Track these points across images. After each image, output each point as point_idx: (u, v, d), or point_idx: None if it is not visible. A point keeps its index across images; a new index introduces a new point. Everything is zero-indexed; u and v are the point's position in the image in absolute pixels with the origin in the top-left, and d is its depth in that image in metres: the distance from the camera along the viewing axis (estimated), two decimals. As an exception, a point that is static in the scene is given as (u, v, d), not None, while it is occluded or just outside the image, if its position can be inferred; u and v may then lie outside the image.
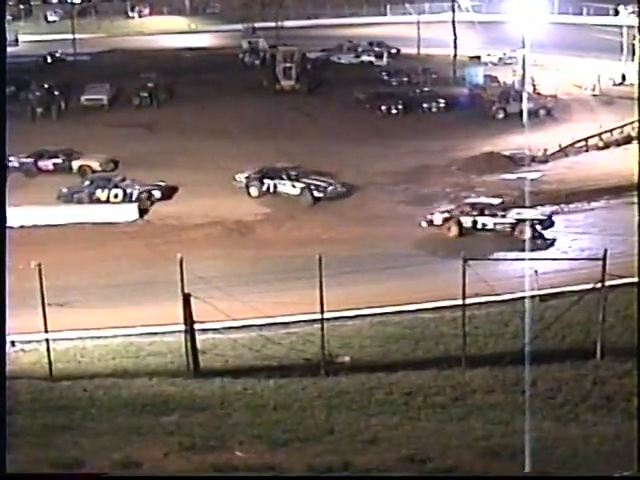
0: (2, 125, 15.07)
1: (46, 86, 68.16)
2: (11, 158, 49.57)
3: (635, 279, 27.63)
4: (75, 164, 50.46)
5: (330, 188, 45.61)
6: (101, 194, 45.29)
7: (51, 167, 50.58)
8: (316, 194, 45.21)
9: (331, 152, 52.55)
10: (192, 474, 16.63)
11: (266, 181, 46.29)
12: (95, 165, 50.17)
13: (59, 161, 50.65)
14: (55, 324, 25.77)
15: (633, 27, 72.26)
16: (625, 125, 54.70)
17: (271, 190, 46.22)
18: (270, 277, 33.28)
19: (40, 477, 15.86)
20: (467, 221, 39.62)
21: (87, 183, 46.07)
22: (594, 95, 67.66)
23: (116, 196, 45.19)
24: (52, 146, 51.69)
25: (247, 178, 46.55)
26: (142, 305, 30.79)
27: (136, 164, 50.36)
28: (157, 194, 45.34)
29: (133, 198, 45.01)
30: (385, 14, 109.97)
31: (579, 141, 53.89)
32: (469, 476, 16.78)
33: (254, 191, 46.34)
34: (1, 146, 14.65)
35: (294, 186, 45.74)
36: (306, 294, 26.54)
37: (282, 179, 46.15)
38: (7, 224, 35.68)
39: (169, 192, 46.26)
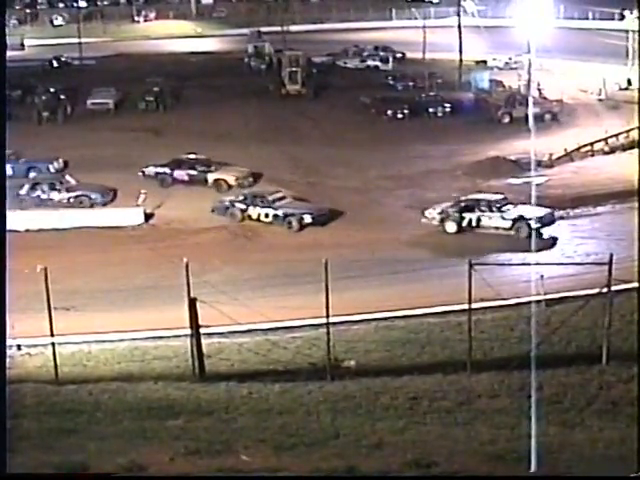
0: (2, 126, 15.04)
1: (52, 90, 68.20)
2: (148, 166, 48.81)
3: (640, 284, 27.57)
4: (210, 177, 48.05)
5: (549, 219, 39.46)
6: (252, 211, 42.62)
7: (186, 178, 48.45)
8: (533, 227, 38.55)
9: (337, 156, 52.62)
10: (198, 474, 16.68)
11: (467, 214, 40.08)
12: (231, 180, 47.59)
13: (194, 173, 48.32)
14: (61, 328, 25.78)
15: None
16: (631, 130, 54.64)
17: (473, 224, 39.99)
18: (276, 281, 33.32)
19: (41, 477, 15.88)
20: None
21: (241, 198, 43.33)
22: (600, 100, 67.67)
23: (266, 216, 42.34)
24: (188, 154, 49.75)
25: (442, 213, 40.39)
26: (148, 309, 30.80)
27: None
28: (307, 218, 41.57)
29: (284, 220, 41.77)
30: (391, 18, 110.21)
31: (585, 146, 53.87)
32: (474, 476, 16.82)
33: (451, 227, 40.21)
34: (1, 147, 14.64)
35: (504, 218, 39.55)
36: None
37: (486, 211, 40.01)
38: (13, 228, 36.15)
39: (326, 218, 42.25)
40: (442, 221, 40.39)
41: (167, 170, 48.91)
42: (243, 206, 42.87)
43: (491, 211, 39.93)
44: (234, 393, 23.67)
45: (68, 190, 45.69)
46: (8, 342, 24.05)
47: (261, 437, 19.35)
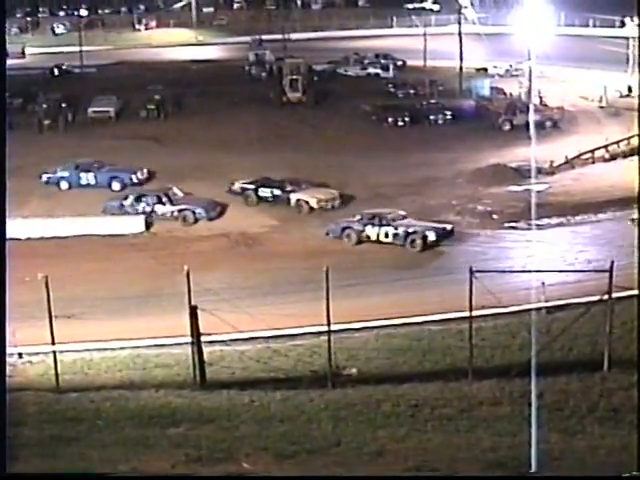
0: (2, 130, 15.03)
1: (53, 98, 68.27)
2: (234, 182, 47.53)
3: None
4: (293, 197, 46.18)
5: None
6: (371, 231, 40.70)
7: (270, 197, 46.90)
8: None
9: (338, 164, 52.61)
10: (196, 474, 16.72)
11: None
12: (312, 202, 45.68)
13: (278, 192, 46.57)
14: (62, 336, 25.78)
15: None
16: (631, 137, 54.63)
17: None
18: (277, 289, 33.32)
19: (41, 477, 15.86)
20: None
21: (357, 218, 41.40)
22: (600, 107, 67.73)
23: (386, 235, 40.39)
24: (276, 174, 48.58)
25: None
26: (149, 317, 30.82)
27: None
28: (431, 236, 39.87)
29: (406, 239, 39.95)
30: (391, 26, 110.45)
31: (585, 153, 53.90)
32: (474, 476, 16.84)
33: None
34: (1, 150, 14.63)
35: None
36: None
37: None
38: (14, 236, 36.22)
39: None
40: None
41: (252, 187, 47.43)
42: (360, 227, 41.15)
43: None
44: (235, 401, 23.65)
45: (173, 203, 44.80)
46: (10, 350, 24.12)
47: (262, 445, 19.32)
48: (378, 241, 40.67)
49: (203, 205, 44.87)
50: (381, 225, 40.81)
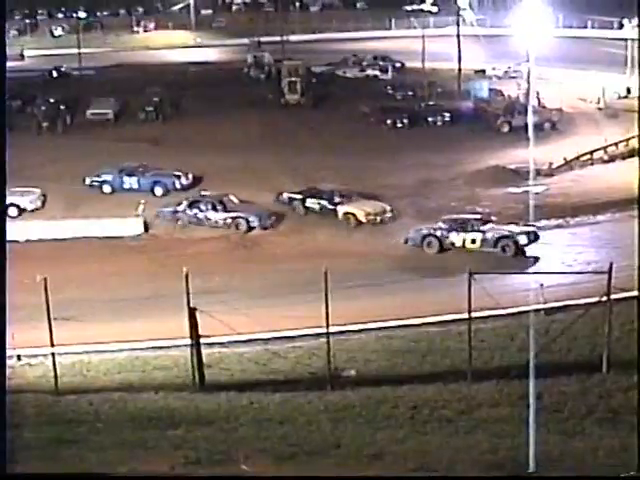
0: (2, 131, 15.03)
1: (52, 100, 68.26)
2: (282, 192, 46.16)
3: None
4: (340, 210, 44.39)
5: None
6: (456, 238, 39.19)
7: (317, 209, 45.29)
8: None
9: (337, 166, 52.56)
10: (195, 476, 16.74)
11: None
12: (360, 214, 43.73)
13: (325, 203, 44.84)
14: (61, 338, 25.77)
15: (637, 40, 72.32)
16: (630, 138, 54.64)
17: None
18: (277, 291, 33.31)
19: (40, 477, 15.85)
20: None
21: (439, 224, 40.04)
22: (599, 108, 67.76)
23: (473, 241, 38.88)
24: (326, 184, 47.18)
25: None
26: (148, 319, 30.76)
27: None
28: (522, 240, 38.44)
29: (495, 245, 38.57)
30: (390, 28, 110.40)
31: (584, 154, 53.87)
32: (472, 476, 16.85)
33: None
34: (1, 150, 14.63)
35: None
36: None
37: None
38: (14, 238, 36.15)
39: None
40: None
41: (300, 197, 45.80)
42: (443, 233, 39.65)
43: None
44: (234, 403, 23.66)
45: (226, 210, 43.80)
46: (9, 352, 24.10)
47: (261, 447, 19.34)
48: (464, 248, 39.18)
49: (258, 213, 43.80)
50: (466, 231, 39.40)
